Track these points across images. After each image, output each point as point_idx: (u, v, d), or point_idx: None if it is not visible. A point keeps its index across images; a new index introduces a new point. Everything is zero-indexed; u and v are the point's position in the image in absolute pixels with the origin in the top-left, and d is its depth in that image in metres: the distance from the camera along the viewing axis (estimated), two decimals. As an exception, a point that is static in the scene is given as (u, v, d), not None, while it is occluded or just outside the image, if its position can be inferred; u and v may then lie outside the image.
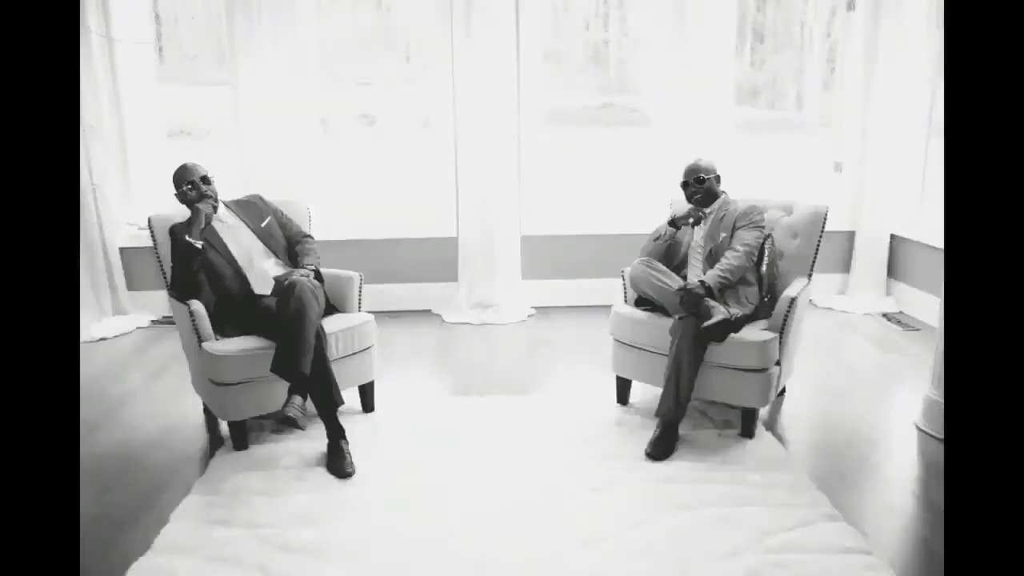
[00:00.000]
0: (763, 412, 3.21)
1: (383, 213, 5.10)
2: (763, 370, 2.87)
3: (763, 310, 3.08)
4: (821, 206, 3.25)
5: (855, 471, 2.77)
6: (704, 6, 4.63)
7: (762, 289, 3.11)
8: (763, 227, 3.11)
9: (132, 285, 4.82)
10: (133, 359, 4.15)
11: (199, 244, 2.91)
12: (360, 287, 3.30)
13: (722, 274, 2.95)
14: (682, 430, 2.95)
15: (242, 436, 2.90)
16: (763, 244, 3.10)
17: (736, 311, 2.94)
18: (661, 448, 2.82)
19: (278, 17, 4.40)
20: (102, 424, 3.23)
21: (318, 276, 3.09)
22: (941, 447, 2.91)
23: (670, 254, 3.21)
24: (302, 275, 2.92)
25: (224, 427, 3.04)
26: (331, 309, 3.18)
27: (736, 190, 3.33)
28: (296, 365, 2.65)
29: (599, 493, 2.56)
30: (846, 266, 5.19)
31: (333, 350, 2.92)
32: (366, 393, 3.26)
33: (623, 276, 3.31)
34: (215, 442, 3.03)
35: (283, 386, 2.73)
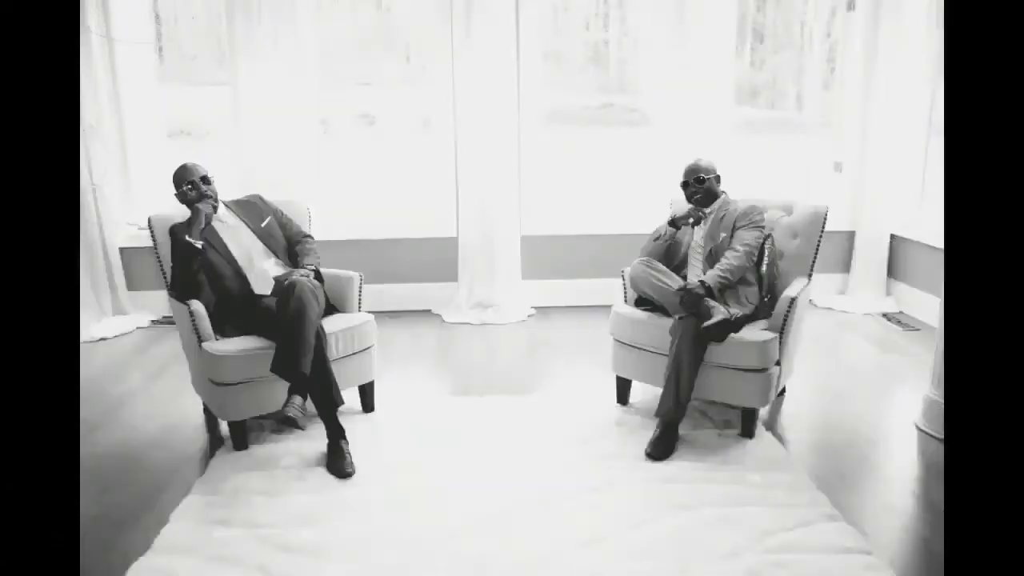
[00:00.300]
0: (763, 412, 3.21)
1: (383, 213, 5.09)
2: (763, 370, 2.87)
3: (763, 310, 3.08)
4: (821, 206, 3.25)
5: (855, 471, 2.77)
6: (704, 6, 4.63)
7: (762, 289, 3.11)
8: (763, 227, 3.11)
9: (132, 285, 4.82)
10: (133, 359, 4.15)
11: (199, 244, 2.91)
12: (360, 287, 3.30)
13: (722, 274, 2.95)
14: (682, 430, 2.95)
15: (242, 436, 2.90)
16: (763, 244, 3.10)
17: (736, 311, 2.94)
18: (661, 448, 2.82)
19: (278, 17, 4.40)
20: (102, 424, 3.23)
21: (318, 276, 3.09)
22: (941, 447, 2.91)
23: (670, 254, 3.21)
24: (302, 275, 2.92)
25: (224, 427, 3.04)
26: (331, 309, 3.18)
27: (736, 190, 3.33)
28: (296, 365, 2.65)
29: (599, 493, 2.56)
30: (846, 266, 5.19)
31: (333, 350, 2.92)
32: (366, 393, 3.26)
33: (623, 276, 3.31)
34: (215, 442, 3.03)
35: (283, 386, 2.73)
